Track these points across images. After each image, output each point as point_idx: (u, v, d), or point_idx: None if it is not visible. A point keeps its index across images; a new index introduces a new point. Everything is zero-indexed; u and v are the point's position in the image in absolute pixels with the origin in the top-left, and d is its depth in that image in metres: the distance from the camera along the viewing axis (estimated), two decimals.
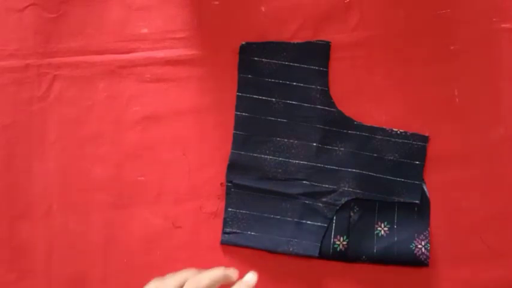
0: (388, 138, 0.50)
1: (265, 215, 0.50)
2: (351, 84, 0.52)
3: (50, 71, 0.53)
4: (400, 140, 0.50)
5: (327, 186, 0.50)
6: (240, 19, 0.53)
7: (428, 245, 0.48)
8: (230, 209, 0.50)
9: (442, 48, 0.52)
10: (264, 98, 0.51)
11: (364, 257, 0.49)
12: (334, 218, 0.49)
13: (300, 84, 0.51)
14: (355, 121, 0.51)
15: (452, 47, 0.52)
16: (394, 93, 0.52)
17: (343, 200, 0.49)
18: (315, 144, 0.50)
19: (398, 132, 0.50)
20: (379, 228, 0.49)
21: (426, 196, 0.49)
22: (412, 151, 0.50)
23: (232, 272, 0.42)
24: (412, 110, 0.51)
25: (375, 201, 0.50)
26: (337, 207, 0.49)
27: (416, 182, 0.50)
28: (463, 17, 0.52)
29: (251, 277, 0.41)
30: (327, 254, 0.49)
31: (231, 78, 0.52)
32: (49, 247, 0.51)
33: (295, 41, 0.52)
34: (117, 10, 0.53)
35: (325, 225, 0.49)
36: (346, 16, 0.52)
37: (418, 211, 0.49)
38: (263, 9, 0.53)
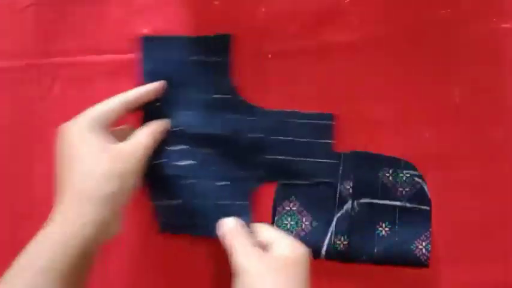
0: (295, 120, 0.51)
1: (192, 201, 0.49)
2: (351, 84, 0.52)
3: (50, 71, 0.53)
4: (308, 121, 0.51)
5: (242, 172, 0.50)
6: (240, 19, 0.53)
7: (429, 245, 0.48)
8: (156, 203, 0.50)
9: (442, 48, 0.52)
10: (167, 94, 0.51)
11: (364, 257, 0.49)
12: (335, 217, 0.49)
13: (203, 78, 0.51)
14: (262, 108, 0.51)
15: (452, 47, 0.52)
16: (394, 93, 0.52)
17: (258, 185, 0.50)
18: (225, 134, 0.50)
19: (306, 113, 0.51)
20: (380, 229, 0.49)
21: (427, 196, 0.49)
22: (320, 130, 0.51)
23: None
24: (412, 110, 0.51)
25: (375, 201, 0.50)
26: (253, 192, 0.50)
27: (328, 161, 0.50)
28: (463, 17, 0.52)
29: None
30: (327, 254, 0.49)
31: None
32: None
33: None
34: (117, 10, 0.53)
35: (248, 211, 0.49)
36: (346, 16, 0.52)
37: (419, 212, 0.49)
38: (263, 9, 0.53)
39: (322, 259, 0.49)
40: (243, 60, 0.52)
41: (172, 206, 0.49)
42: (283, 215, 0.50)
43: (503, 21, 0.52)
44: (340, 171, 0.50)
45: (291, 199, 0.50)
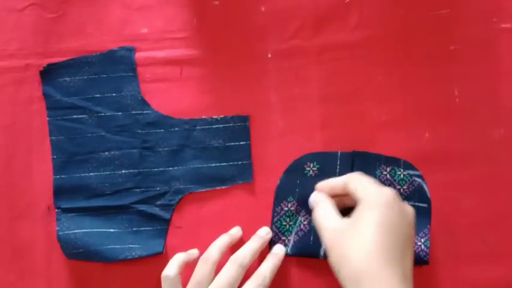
0: (208, 126, 0.51)
1: (101, 230, 0.50)
2: (351, 84, 0.52)
3: None
4: (222, 125, 0.51)
5: (158, 189, 0.50)
6: (240, 19, 0.53)
7: (428, 242, 0.48)
8: (61, 233, 0.50)
9: (442, 48, 0.52)
10: (75, 116, 0.51)
11: None
12: None
13: (109, 95, 0.52)
14: (173, 118, 0.51)
15: (452, 47, 0.52)
16: (394, 93, 0.52)
17: (178, 198, 0.50)
18: (136, 150, 0.51)
19: (219, 118, 0.51)
20: None
21: (425, 193, 0.49)
22: (235, 133, 0.51)
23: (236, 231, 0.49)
24: (412, 110, 0.51)
25: None
26: (173, 207, 0.50)
27: (245, 162, 0.50)
28: (463, 17, 0.52)
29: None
30: (326, 254, 0.49)
31: (231, 78, 0.52)
32: (49, 247, 0.51)
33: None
34: (117, 10, 0.54)
35: (165, 227, 0.50)
36: (346, 16, 0.52)
37: (417, 209, 0.49)
38: (263, 9, 0.53)
39: (321, 259, 0.49)
40: (243, 60, 0.52)
41: (83, 233, 0.49)
42: (282, 216, 0.50)
43: (503, 21, 0.52)
44: (338, 170, 0.50)
45: (289, 199, 0.50)
